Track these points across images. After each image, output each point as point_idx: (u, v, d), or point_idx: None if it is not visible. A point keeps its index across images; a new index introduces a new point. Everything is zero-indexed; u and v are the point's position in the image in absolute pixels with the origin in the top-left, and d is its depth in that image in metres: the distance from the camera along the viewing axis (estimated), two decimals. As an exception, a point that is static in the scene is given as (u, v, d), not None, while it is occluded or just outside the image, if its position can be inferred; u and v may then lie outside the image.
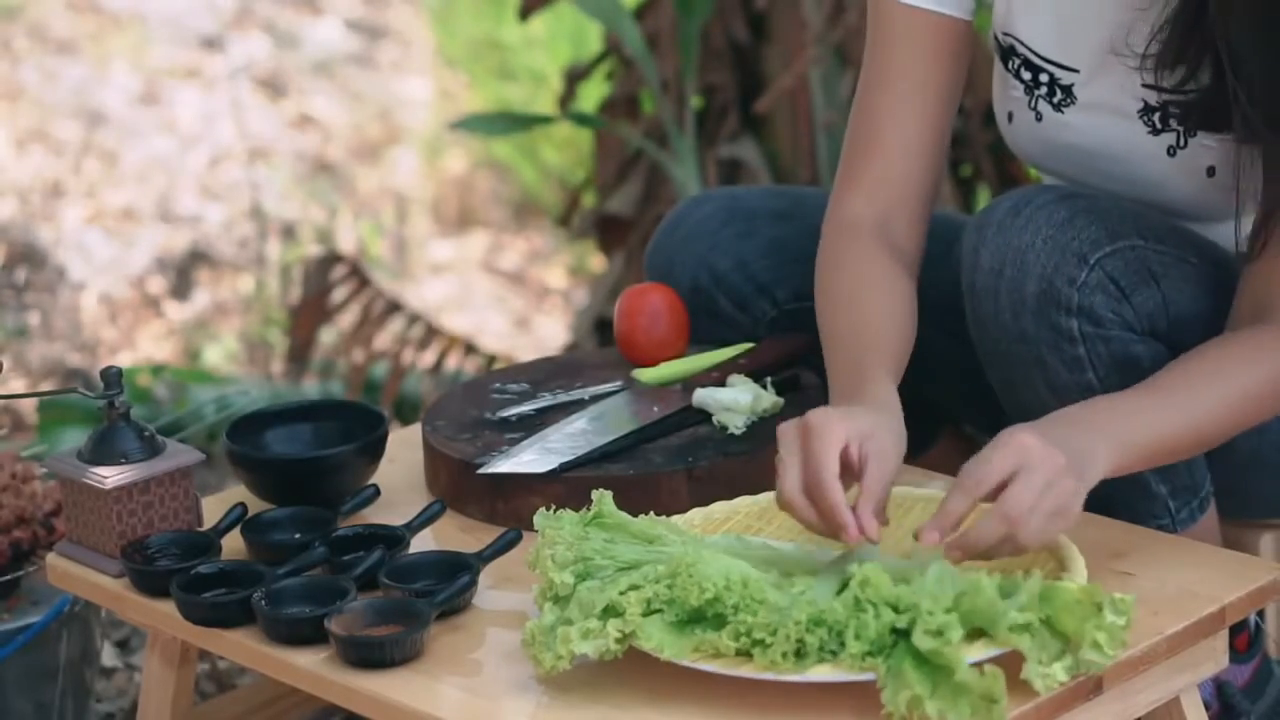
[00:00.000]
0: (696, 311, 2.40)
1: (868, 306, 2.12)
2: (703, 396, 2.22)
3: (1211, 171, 2.14)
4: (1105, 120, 2.17)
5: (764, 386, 2.22)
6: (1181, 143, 2.14)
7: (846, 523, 1.88)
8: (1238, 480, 2.22)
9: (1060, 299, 2.07)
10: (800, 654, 1.77)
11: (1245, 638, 2.17)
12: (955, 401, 2.49)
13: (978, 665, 1.72)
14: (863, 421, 1.95)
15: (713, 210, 2.43)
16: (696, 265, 2.40)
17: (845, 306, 2.13)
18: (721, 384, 2.25)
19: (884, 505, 1.92)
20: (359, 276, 3.85)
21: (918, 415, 2.49)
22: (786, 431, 1.94)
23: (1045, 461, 1.87)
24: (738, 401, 2.20)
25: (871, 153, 2.21)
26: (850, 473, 1.92)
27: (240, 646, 1.99)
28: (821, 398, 2.26)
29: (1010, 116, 2.26)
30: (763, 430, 2.20)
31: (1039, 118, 2.22)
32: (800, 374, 2.29)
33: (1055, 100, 2.20)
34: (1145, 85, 2.11)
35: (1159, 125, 2.14)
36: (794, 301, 2.37)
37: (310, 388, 3.84)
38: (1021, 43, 2.20)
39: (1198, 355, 2.03)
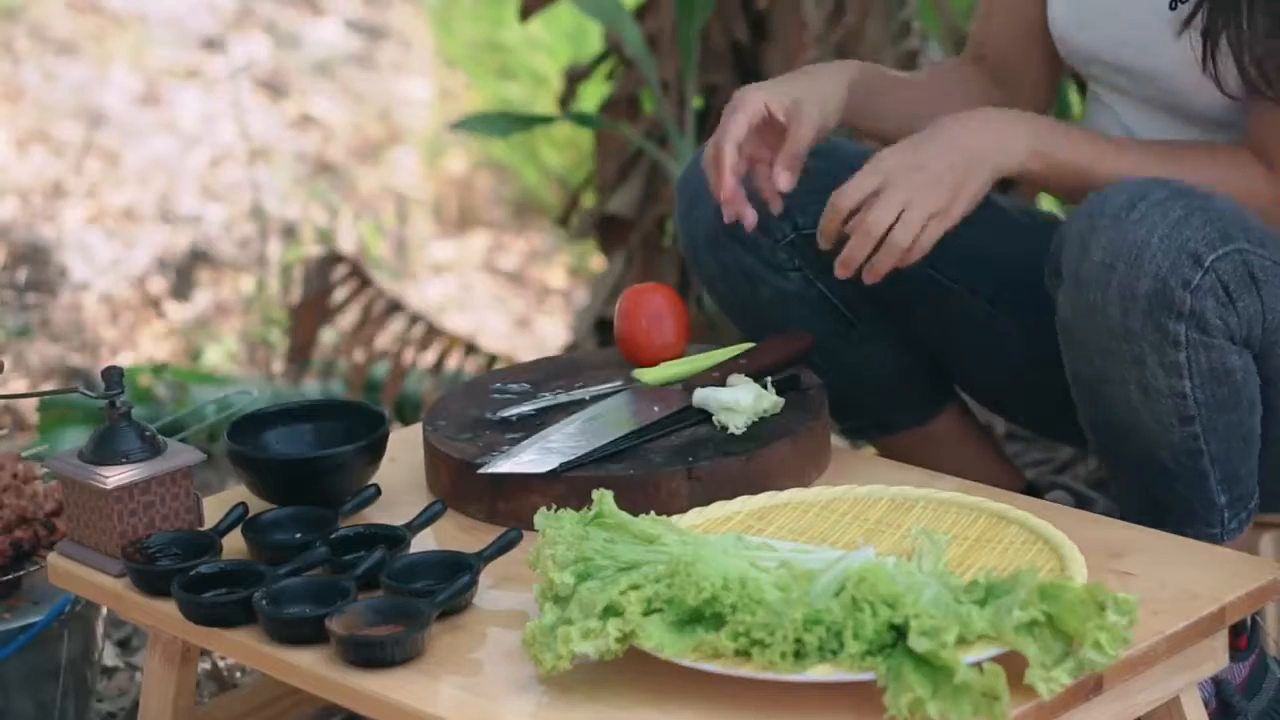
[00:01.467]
0: (722, 235, 2.40)
1: (918, 72, 2.45)
2: (703, 396, 2.22)
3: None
4: None
5: (764, 386, 2.22)
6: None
7: (725, 182, 2.22)
8: (1272, 476, 2.23)
9: (1173, 301, 2.06)
10: (799, 654, 1.77)
11: (1245, 637, 2.17)
12: (992, 388, 2.50)
13: (977, 664, 1.72)
14: (788, 87, 2.26)
15: None
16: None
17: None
18: (722, 384, 2.25)
19: (799, 158, 2.22)
20: (359, 276, 3.85)
21: (924, 385, 2.50)
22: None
23: (904, 178, 2.11)
24: (738, 401, 2.20)
25: (976, 35, 2.46)
26: (777, 130, 2.23)
27: (241, 646, 1.99)
28: (823, 398, 2.26)
29: None
30: (763, 430, 2.20)
31: None
32: (801, 374, 2.29)
33: None
34: None
35: None
36: (814, 227, 2.36)
37: (311, 388, 3.84)
38: None
39: (1161, 143, 2.21)
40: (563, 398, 2.31)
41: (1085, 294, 2.09)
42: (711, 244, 2.41)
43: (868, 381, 2.45)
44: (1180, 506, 2.16)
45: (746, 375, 2.26)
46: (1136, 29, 2.22)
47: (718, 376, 2.27)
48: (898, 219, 2.12)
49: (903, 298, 2.41)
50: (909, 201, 2.11)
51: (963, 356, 2.46)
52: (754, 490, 2.12)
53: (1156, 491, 2.16)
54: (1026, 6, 2.40)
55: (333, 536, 2.08)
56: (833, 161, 2.39)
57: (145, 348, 4.18)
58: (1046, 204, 3.66)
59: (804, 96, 2.25)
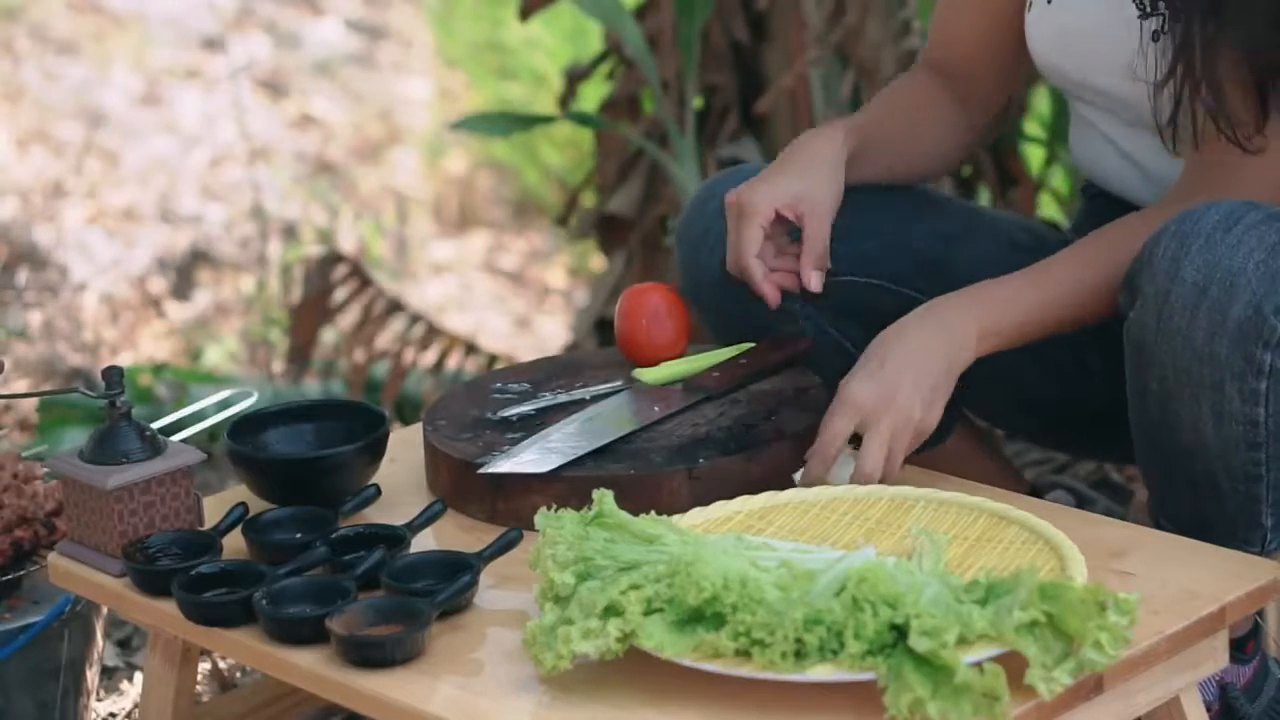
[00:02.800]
0: (729, 284, 2.33)
1: (880, 96, 2.42)
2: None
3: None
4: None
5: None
6: (1164, 26, 2.14)
7: (766, 294, 2.24)
8: None
9: (1264, 330, 2.03)
10: (800, 654, 1.77)
11: (1252, 642, 2.17)
12: (996, 409, 2.51)
13: (977, 664, 1.72)
14: (793, 184, 2.24)
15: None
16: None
17: (877, 96, 2.44)
18: (721, 384, 2.25)
19: (824, 256, 2.24)
20: (360, 276, 3.85)
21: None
22: (726, 207, 2.26)
23: (880, 409, 2.11)
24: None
25: (936, 33, 2.46)
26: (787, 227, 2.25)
27: (241, 646, 1.99)
28: (824, 398, 2.26)
29: (1029, 5, 2.30)
30: (763, 430, 2.20)
31: (1048, 0, 2.25)
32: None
33: None
34: None
35: (1148, 7, 2.15)
36: (828, 273, 2.36)
37: (311, 387, 3.84)
38: None
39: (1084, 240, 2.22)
40: (563, 398, 2.31)
41: (1170, 313, 2.06)
42: (719, 295, 2.38)
43: None
44: (1224, 524, 2.14)
45: (748, 376, 2.26)
46: (1113, 55, 2.21)
47: (717, 376, 2.27)
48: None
49: None
50: (891, 441, 2.13)
51: (969, 384, 2.46)
52: (754, 490, 2.12)
53: (1204, 508, 2.14)
54: (992, 19, 2.38)
55: (333, 536, 2.08)
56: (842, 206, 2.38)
57: (145, 348, 4.18)
58: (1049, 209, 3.66)
59: (810, 193, 2.25)
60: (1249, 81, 2.10)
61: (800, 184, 2.25)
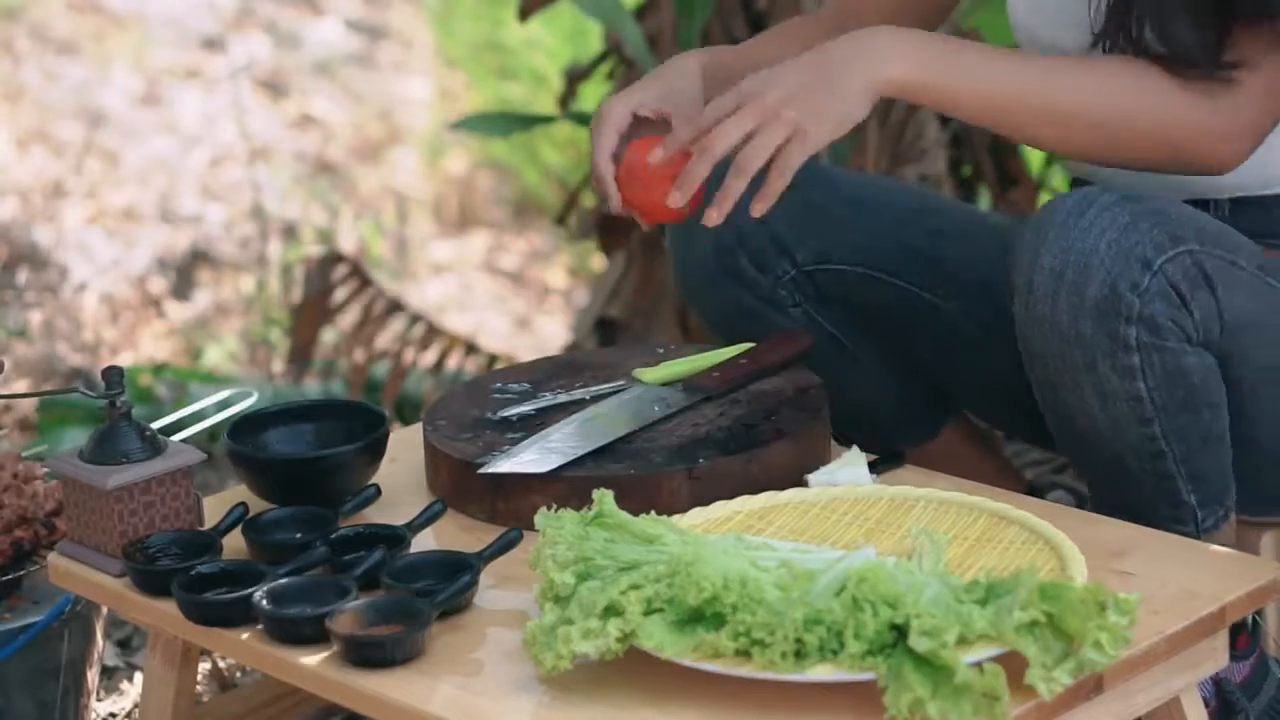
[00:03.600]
0: (719, 274, 2.40)
1: (764, 35, 2.42)
2: (821, 479, 2.17)
3: None
4: None
5: (871, 468, 2.18)
6: None
7: (611, 194, 2.23)
8: (1253, 479, 2.22)
9: (1122, 306, 2.06)
10: (800, 654, 1.77)
11: (1245, 636, 2.17)
12: (992, 406, 2.50)
13: (977, 664, 1.72)
14: (648, 90, 2.27)
15: None
16: (721, 224, 2.39)
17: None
18: (721, 384, 2.25)
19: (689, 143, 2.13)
20: (360, 276, 3.85)
21: (925, 408, 2.50)
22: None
23: (757, 97, 2.05)
24: (855, 480, 2.17)
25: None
26: (657, 124, 2.24)
27: (241, 646, 1.99)
28: (823, 397, 2.26)
29: None
30: (763, 430, 2.20)
31: None
32: (904, 450, 2.28)
33: None
34: None
35: None
36: (814, 263, 2.37)
37: (311, 388, 3.84)
38: None
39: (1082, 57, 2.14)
40: (563, 398, 2.31)
41: (1037, 304, 2.10)
42: (710, 284, 2.41)
43: (870, 410, 2.46)
44: (1147, 508, 2.16)
45: (752, 376, 2.26)
46: (1076, 11, 2.19)
47: (717, 376, 2.27)
48: (746, 140, 2.07)
49: (900, 326, 2.41)
50: (763, 122, 2.06)
51: (961, 377, 2.46)
52: (754, 490, 2.12)
53: (1126, 494, 2.17)
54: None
55: (333, 536, 2.09)
56: (829, 194, 2.39)
57: (145, 348, 4.18)
58: (1056, 183, 3.66)
59: (673, 100, 2.27)
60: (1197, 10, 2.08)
61: (656, 88, 2.27)
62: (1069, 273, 2.07)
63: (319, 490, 2.18)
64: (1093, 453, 2.18)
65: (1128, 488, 2.17)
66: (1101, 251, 2.06)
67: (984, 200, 3.49)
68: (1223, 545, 2.12)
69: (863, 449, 2.18)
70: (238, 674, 2.71)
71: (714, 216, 2.10)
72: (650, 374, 2.31)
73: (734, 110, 2.08)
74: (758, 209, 2.09)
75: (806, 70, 2.07)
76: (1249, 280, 2.14)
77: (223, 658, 2.69)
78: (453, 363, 3.80)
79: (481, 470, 2.15)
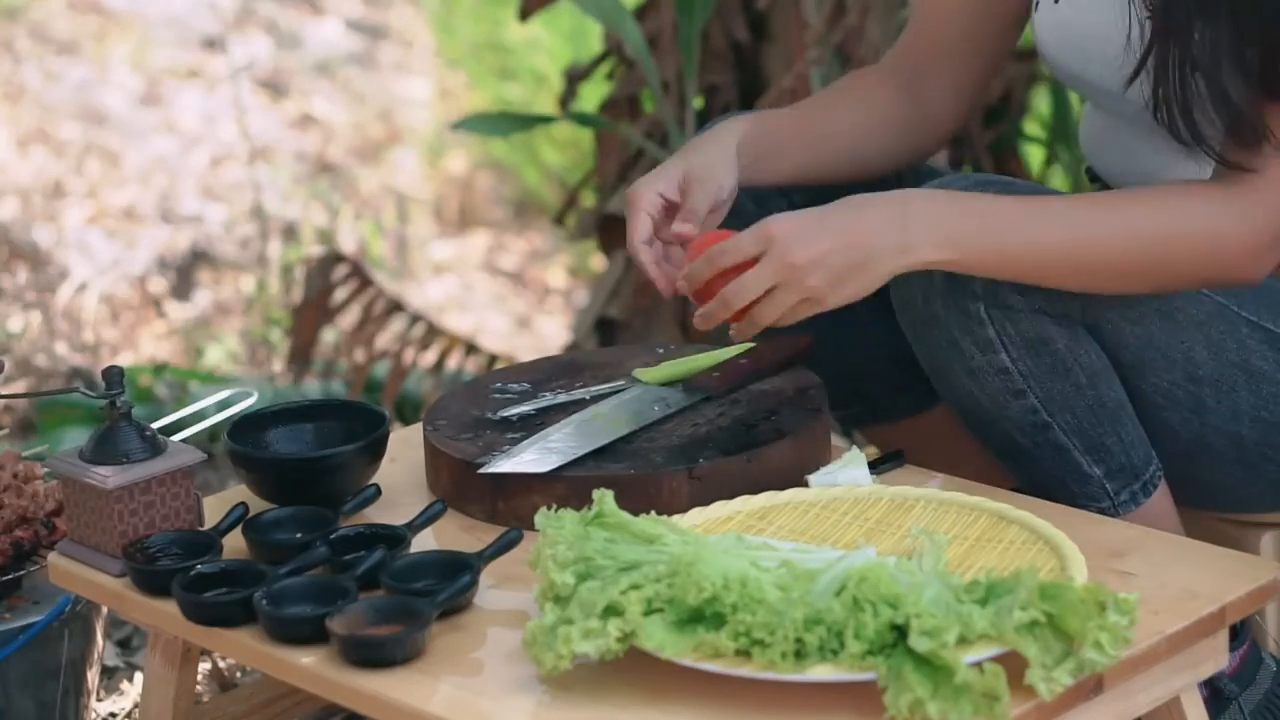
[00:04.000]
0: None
1: (819, 95, 2.42)
2: (822, 480, 2.17)
3: None
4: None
5: (871, 469, 2.19)
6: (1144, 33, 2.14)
7: (654, 278, 2.19)
8: (1185, 468, 2.23)
9: (965, 282, 2.10)
10: (800, 654, 1.77)
11: (1233, 628, 2.18)
12: None
13: (977, 664, 1.72)
14: (675, 167, 2.24)
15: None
16: None
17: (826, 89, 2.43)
18: (721, 384, 2.25)
19: (696, 216, 2.19)
20: (360, 276, 3.85)
21: (919, 373, 2.50)
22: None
23: (785, 255, 2.03)
24: (855, 481, 2.17)
25: (908, 31, 2.40)
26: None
27: (241, 646, 1.99)
28: (823, 397, 2.26)
29: (1036, 4, 2.28)
30: (763, 430, 2.20)
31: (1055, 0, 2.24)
32: (903, 450, 2.28)
33: None
34: None
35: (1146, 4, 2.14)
36: (809, 204, 2.36)
37: (311, 387, 3.84)
38: None
39: (1108, 192, 2.13)
40: (563, 398, 2.31)
41: (898, 290, 2.15)
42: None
43: (863, 365, 2.45)
44: (1057, 486, 2.18)
45: (751, 378, 2.26)
46: (1108, 50, 2.19)
47: (717, 376, 2.27)
48: (766, 295, 2.07)
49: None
50: (784, 282, 2.05)
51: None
52: (754, 490, 2.12)
53: (1033, 474, 2.20)
54: (977, 19, 2.37)
55: (333, 536, 2.09)
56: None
57: (145, 348, 4.18)
58: (1056, 182, 3.66)
59: (692, 172, 2.24)
60: (1218, 107, 2.06)
61: (684, 166, 2.25)
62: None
63: (319, 490, 2.18)
64: (987, 434, 2.21)
65: (1029, 466, 2.20)
66: None
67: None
68: (1155, 525, 2.13)
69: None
70: (238, 674, 2.71)
71: (742, 333, 2.13)
72: (650, 374, 2.31)
73: (756, 257, 2.06)
74: (739, 335, 2.13)
75: (839, 236, 2.04)
76: None
77: (223, 658, 2.69)
78: (453, 363, 3.80)
79: (481, 470, 2.15)
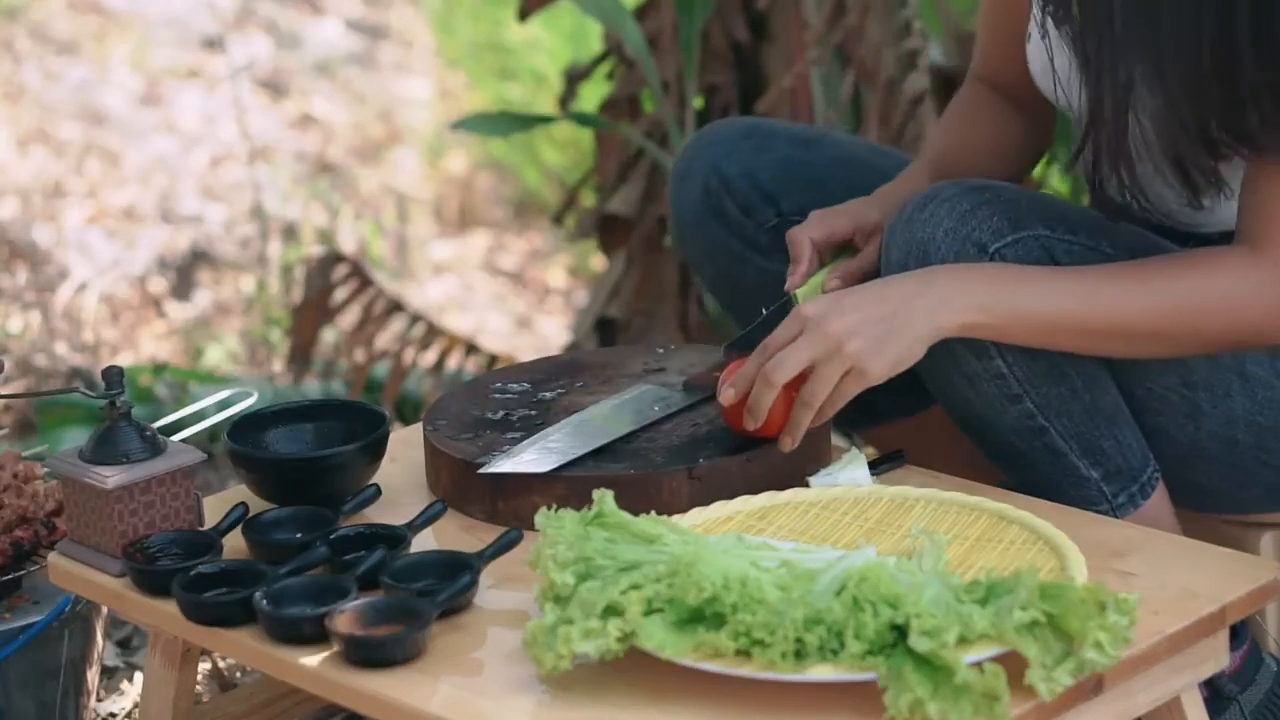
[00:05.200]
0: (706, 214, 2.44)
1: (947, 119, 2.41)
2: (824, 480, 2.17)
3: None
4: None
5: (871, 469, 2.19)
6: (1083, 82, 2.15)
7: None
8: (1181, 472, 2.23)
9: None
10: (800, 654, 1.77)
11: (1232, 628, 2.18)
12: None
13: (977, 664, 1.72)
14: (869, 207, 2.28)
15: (737, 125, 2.52)
16: (709, 170, 2.45)
17: (939, 124, 2.43)
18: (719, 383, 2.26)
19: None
20: (360, 276, 3.85)
21: (914, 378, 2.50)
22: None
23: (819, 327, 2.04)
24: (855, 481, 2.17)
25: (981, 52, 2.42)
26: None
27: (242, 646, 1.99)
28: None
29: (1028, 36, 2.28)
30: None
31: (1044, 35, 2.23)
32: (903, 450, 2.28)
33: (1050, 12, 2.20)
34: None
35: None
36: (798, 213, 2.38)
37: (311, 387, 3.84)
38: None
39: (1132, 261, 2.11)
40: (563, 398, 2.31)
41: None
42: (698, 223, 2.46)
43: None
44: (1054, 490, 2.19)
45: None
46: (1078, 92, 2.19)
47: (718, 376, 2.27)
48: (812, 373, 2.06)
49: None
50: (824, 353, 2.05)
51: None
52: (754, 490, 2.12)
53: (1031, 479, 2.20)
54: (1012, 34, 2.37)
55: (333, 536, 2.09)
56: (817, 152, 2.42)
57: (145, 348, 4.18)
58: (1055, 183, 3.66)
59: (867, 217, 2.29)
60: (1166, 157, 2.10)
61: (845, 220, 2.29)
62: (910, 263, 2.12)
63: (319, 490, 2.19)
64: (983, 439, 2.21)
65: (1027, 471, 2.20)
66: (939, 239, 2.11)
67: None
68: (1154, 526, 2.13)
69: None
70: (238, 674, 2.71)
71: (788, 444, 2.12)
72: (805, 290, 2.28)
73: (796, 336, 2.07)
74: (787, 444, 2.12)
75: (870, 304, 2.05)
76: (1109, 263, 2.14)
77: (223, 658, 2.69)
78: (453, 363, 3.80)
79: (481, 470, 2.15)
